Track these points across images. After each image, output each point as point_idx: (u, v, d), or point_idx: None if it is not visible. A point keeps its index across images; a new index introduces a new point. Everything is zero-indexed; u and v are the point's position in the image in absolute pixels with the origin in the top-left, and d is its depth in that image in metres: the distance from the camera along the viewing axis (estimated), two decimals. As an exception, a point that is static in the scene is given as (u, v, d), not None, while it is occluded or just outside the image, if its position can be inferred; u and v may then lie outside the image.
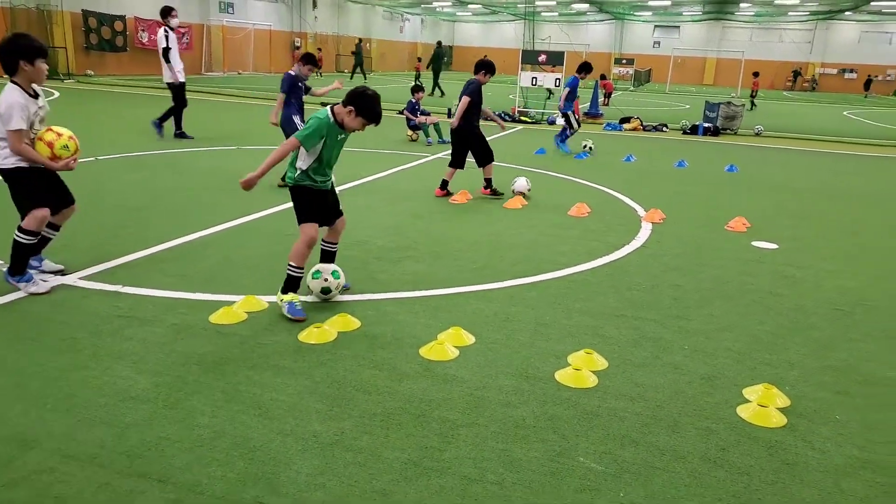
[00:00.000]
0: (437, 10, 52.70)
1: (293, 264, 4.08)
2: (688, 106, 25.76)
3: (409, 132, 12.44)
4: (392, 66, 49.79)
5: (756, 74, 27.32)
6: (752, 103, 25.45)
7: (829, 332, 4.21)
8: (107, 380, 3.17)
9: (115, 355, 3.42)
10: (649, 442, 2.88)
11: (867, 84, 45.24)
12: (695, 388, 3.39)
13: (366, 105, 3.92)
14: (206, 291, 4.35)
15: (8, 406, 2.92)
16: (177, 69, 10.63)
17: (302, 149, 3.99)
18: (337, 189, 4.50)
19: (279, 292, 4.16)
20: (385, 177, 8.80)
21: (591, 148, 11.82)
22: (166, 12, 10.57)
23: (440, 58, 26.50)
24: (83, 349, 3.48)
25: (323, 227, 4.25)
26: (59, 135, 4.15)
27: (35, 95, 4.13)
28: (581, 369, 3.43)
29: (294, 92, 7.68)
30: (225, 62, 32.67)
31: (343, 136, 4.08)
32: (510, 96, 19.04)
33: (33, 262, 4.35)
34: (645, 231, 6.50)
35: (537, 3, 35.85)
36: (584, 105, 12.51)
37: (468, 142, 7.64)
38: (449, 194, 7.64)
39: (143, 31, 27.33)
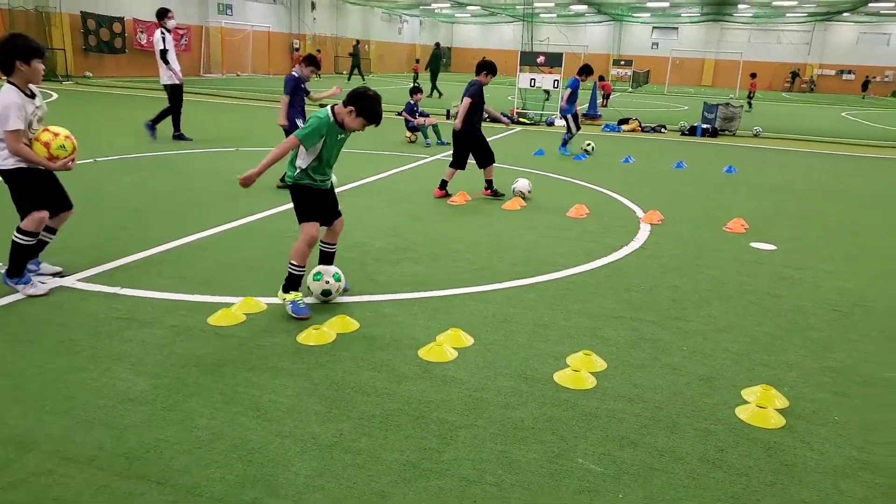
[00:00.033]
0: (436, 11, 52.73)
1: (294, 263, 4.09)
2: (686, 107, 25.79)
3: (408, 134, 12.44)
4: (391, 67, 49.83)
5: (753, 76, 27.38)
6: (749, 104, 25.47)
7: (827, 333, 4.21)
8: (105, 381, 3.17)
9: (113, 357, 3.42)
10: (648, 443, 2.88)
11: (864, 85, 45.33)
12: (693, 389, 3.39)
13: (366, 106, 3.92)
14: (205, 293, 4.35)
15: (6, 408, 2.92)
16: (175, 70, 10.63)
17: (302, 147, 4.00)
18: (336, 190, 4.50)
19: (280, 291, 4.16)
20: (384, 178, 8.80)
21: (592, 147, 11.85)
22: (163, 14, 10.53)
23: (438, 59, 26.52)
24: (82, 351, 3.47)
25: (321, 227, 4.25)
26: (56, 135, 4.14)
27: (32, 95, 4.12)
28: (580, 370, 3.43)
29: (296, 93, 7.70)
30: (224, 64, 32.68)
31: (343, 135, 4.08)
32: (508, 98, 19.05)
33: (31, 266, 4.34)
34: (643, 232, 6.50)
35: (536, 4, 35.88)
36: (582, 107, 12.54)
37: (470, 143, 7.64)
38: (448, 195, 7.64)
39: (141, 32, 27.34)
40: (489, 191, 7.77)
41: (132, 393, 3.08)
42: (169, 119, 10.84)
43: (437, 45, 27.78)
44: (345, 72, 35.85)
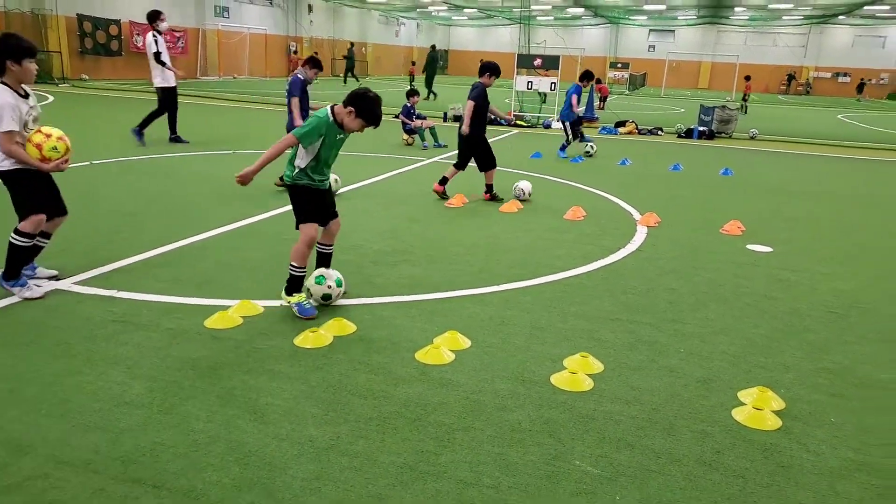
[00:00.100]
0: (433, 14, 52.78)
1: (295, 264, 4.09)
2: (683, 109, 25.85)
3: (405, 136, 12.45)
4: (388, 70, 49.85)
5: (748, 78, 27.45)
6: (745, 107, 25.52)
7: (823, 335, 4.22)
8: (101, 385, 3.16)
9: (109, 360, 3.41)
10: (645, 445, 2.88)
11: (860, 87, 45.48)
12: (690, 391, 3.40)
13: (366, 107, 3.93)
14: (202, 296, 4.34)
15: (2, 411, 2.91)
16: (168, 72, 10.58)
17: (300, 147, 4.00)
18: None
19: (283, 293, 4.16)
20: (381, 181, 8.80)
21: (593, 147, 11.92)
22: (155, 16, 10.44)
23: (434, 62, 26.54)
24: (77, 354, 3.46)
25: (319, 227, 4.26)
26: (48, 136, 4.11)
27: (26, 95, 4.11)
28: (577, 373, 3.43)
29: (303, 96, 7.74)
30: (220, 66, 32.66)
31: (342, 136, 4.09)
32: (506, 100, 19.07)
33: (26, 271, 4.32)
34: (640, 235, 6.51)
35: (533, 7, 35.93)
36: (578, 109, 12.63)
37: (475, 147, 7.65)
38: (445, 194, 7.68)
39: (138, 35, 27.27)
40: (489, 195, 7.78)
41: (128, 396, 3.07)
42: (158, 122, 10.73)
43: (433, 47, 27.81)
44: (341, 74, 35.83)
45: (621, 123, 16.80)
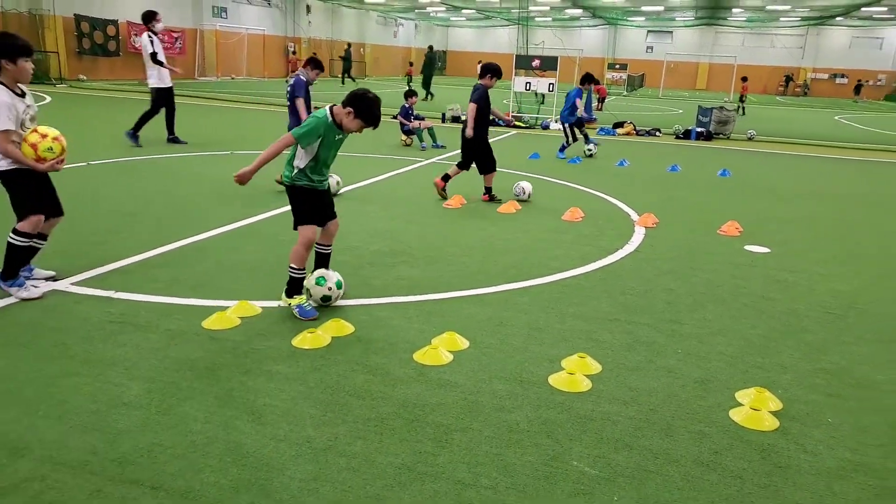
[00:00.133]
0: (431, 15, 52.81)
1: (294, 266, 4.09)
2: (681, 111, 25.88)
3: (403, 137, 12.45)
4: (386, 70, 49.87)
5: (745, 79, 27.49)
6: (742, 108, 25.54)
7: (821, 336, 4.22)
8: (99, 386, 3.15)
9: (107, 361, 3.41)
10: (642, 446, 2.88)
11: (857, 89, 45.57)
12: (688, 391, 3.40)
13: (365, 107, 3.92)
14: (200, 297, 4.34)
15: (-1, 413, 2.90)
16: (164, 73, 10.55)
17: (299, 147, 4.00)
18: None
19: (283, 296, 4.16)
20: (379, 181, 8.80)
21: (593, 148, 11.98)
22: (150, 17, 10.37)
23: (432, 62, 26.54)
24: (75, 355, 3.46)
25: (317, 228, 4.26)
26: (44, 136, 4.10)
27: (22, 94, 4.11)
28: (575, 373, 3.43)
29: (307, 96, 7.78)
30: (218, 67, 32.65)
31: (341, 136, 4.09)
32: (504, 101, 19.08)
33: (23, 273, 4.32)
34: (638, 235, 6.52)
35: (531, 8, 35.93)
36: (582, 113, 12.75)
37: (476, 148, 7.66)
38: (444, 191, 7.72)
39: (135, 35, 27.21)
40: (487, 196, 7.79)
41: (126, 397, 3.07)
42: (155, 123, 10.70)
43: (431, 48, 27.81)
44: (339, 75, 35.81)
45: (619, 124, 16.82)
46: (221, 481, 2.50)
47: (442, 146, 12.26)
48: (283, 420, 2.94)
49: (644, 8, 42.58)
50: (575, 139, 12.10)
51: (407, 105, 12.36)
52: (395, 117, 12.64)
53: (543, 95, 19.75)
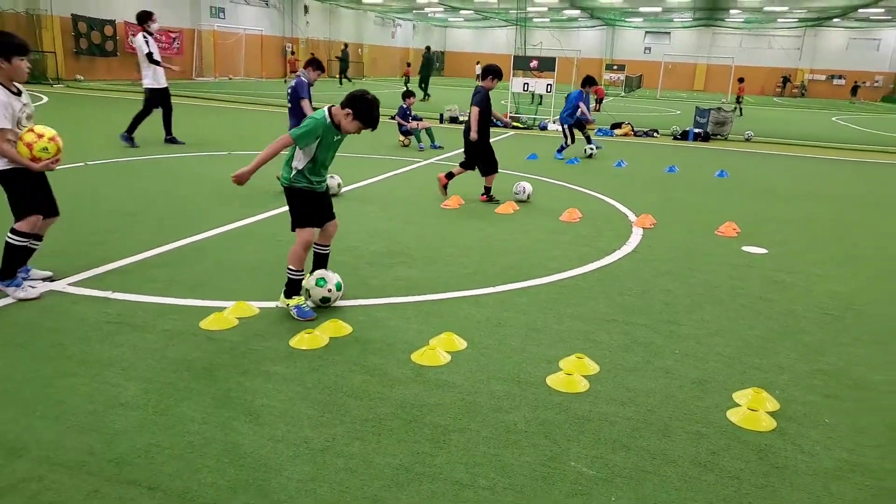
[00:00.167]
0: (429, 15, 52.82)
1: (292, 268, 4.09)
2: (678, 111, 25.91)
3: (401, 137, 12.44)
4: (384, 71, 49.86)
5: (741, 80, 27.55)
6: (740, 109, 25.59)
7: (818, 337, 4.23)
8: (96, 386, 3.15)
9: (104, 362, 3.40)
10: (640, 446, 2.88)
11: (854, 90, 45.67)
12: (685, 392, 3.40)
13: (364, 109, 3.92)
14: (197, 297, 4.33)
15: (-4, 413, 2.90)
16: (160, 73, 10.52)
17: (297, 148, 4.00)
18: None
19: (282, 296, 4.16)
20: (377, 182, 8.79)
21: (593, 149, 12.00)
22: (146, 17, 10.30)
23: (430, 63, 26.53)
24: (72, 356, 3.45)
25: (316, 228, 4.25)
26: (40, 136, 4.09)
27: (18, 93, 4.10)
28: (572, 374, 3.43)
29: (307, 97, 7.79)
30: (216, 67, 32.62)
31: (339, 137, 4.08)
32: (502, 102, 19.10)
33: (20, 274, 4.31)
34: (636, 236, 6.53)
35: (529, 9, 35.96)
36: (590, 115, 12.85)
37: (477, 151, 7.68)
38: (446, 189, 7.76)
39: (133, 35, 27.18)
40: (486, 196, 7.80)
41: (123, 398, 3.06)
42: (152, 123, 10.67)
43: (428, 48, 27.80)
44: (336, 76, 35.79)
45: (617, 125, 16.85)
46: (219, 482, 2.50)
47: (440, 147, 12.26)
48: (281, 421, 2.93)
49: (642, 9, 42.64)
50: (574, 140, 12.13)
51: (405, 106, 12.36)
52: (392, 118, 12.64)
53: (541, 96, 19.76)
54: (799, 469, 2.78)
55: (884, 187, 10.60)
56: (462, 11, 47.28)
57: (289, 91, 7.95)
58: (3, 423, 2.82)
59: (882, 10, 36.91)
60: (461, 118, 16.96)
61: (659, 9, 41.63)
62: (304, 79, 7.80)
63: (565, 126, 12.10)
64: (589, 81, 12.50)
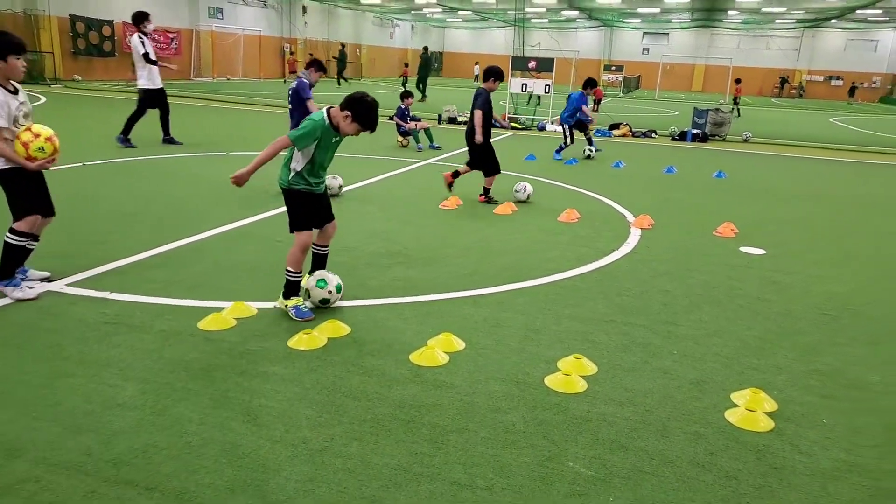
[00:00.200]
0: (428, 16, 52.81)
1: (291, 269, 4.08)
2: (676, 112, 25.93)
3: (400, 138, 12.44)
4: (382, 72, 49.85)
5: (738, 81, 27.58)
6: (737, 110, 25.61)
7: (816, 337, 4.24)
8: (93, 387, 3.15)
9: (102, 362, 3.40)
10: (638, 447, 2.89)
11: (851, 91, 45.77)
12: (683, 392, 3.41)
13: (363, 111, 3.91)
14: (195, 297, 4.33)
15: (-7, 414, 2.89)
16: (154, 74, 10.48)
17: (296, 150, 3.99)
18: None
19: (281, 298, 4.15)
20: (375, 182, 8.79)
21: (592, 150, 12.02)
22: (142, 17, 10.23)
23: (427, 63, 26.52)
24: (70, 356, 3.45)
25: (315, 229, 4.25)
26: (37, 135, 4.09)
27: (15, 91, 4.10)
28: (571, 374, 3.44)
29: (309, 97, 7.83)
30: (214, 68, 32.60)
31: (337, 139, 4.08)
32: (500, 103, 19.10)
33: (18, 275, 4.30)
34: (634, 237, 6.53)
35: (527, 9, 35.99)
36: (592, 116, 12.96)
37: (482, 152, 7.70)
38: (451, 186, 7.81)
39: (131, 36, 27.22)
40: (484, 197, 7.80)
41: (121, 398, 3.06)
42: (149, 124, 10.64)
43: (426, 49, 27.78)
44: (334, 76, 35.77)
45: (615, 126, 16.85)
46: (217, 482, 2.50)
47: (438, 147, 12.26)
48: (279, 421, 2.93)
49: (640, 10, 42.69)
50: (573, 141, 12.14)
51: (403, 106, 12.36)
52: (391, 118, 12.64)
53: (539, 97, 19.77)
54: (796, 469, 2.79)
55: (881, 188, 10.62)
56: (460, 12, 47.28)
57: (290, 92, 7.95)
58: (0, 423, 2.82)
59: (880, 12, 37.00)
60: (459, 119, 16.97)
61: (657, 10, 41.67)
62: (305, 80, 7.81)
63: (566, 126, 12.13)
64: (590, 83, 12.61)
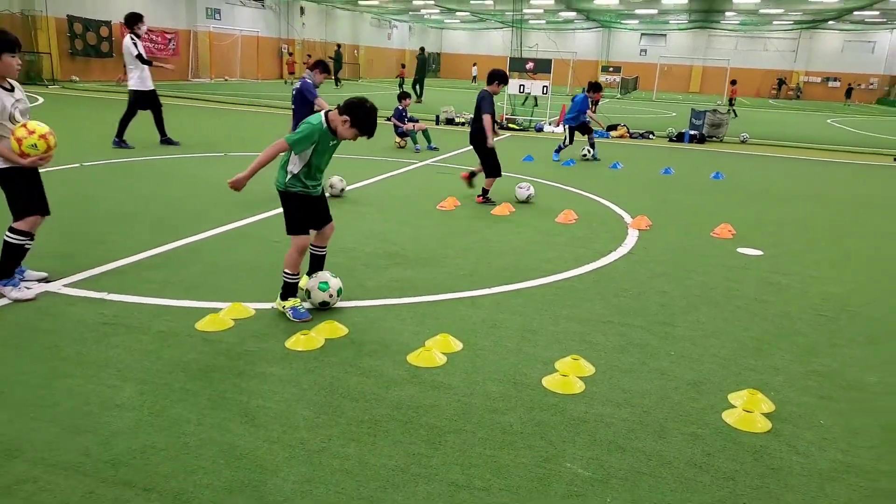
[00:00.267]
0: (425, 17, 52.82)
1: (288, 272, 4.08)
2: (674, 113, 25.96)
3: (397, 139, 12.44)
4: (380, 73, 49.85)
5: (734, 83, 27.63)
6: (733, 111, 25.64)
7: (813, 338, 4.25)
8: (92, 388, 3.14)
9: (100, 363, 3.39)
10: (636, 447, 2.89)
11: (848, 92, 45.86)
12: (681, 393, 3.41)
13: (361, 116, 3.91)
14: (193, 298, 4.33)
15: (-9, 415, 2.89)
16: (146, 75, 10.46)
17: (293, 153, 3.99)
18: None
19: (278, 299, 4.15)
20: (373, 183, 8.80)
21: (590, 151, 12.08)
22: (136, 19, 10.15)
23: (424, 64, 26.53)
24: (68, 357, 3.45)
25: (312, 230, 4.25)
26: (31, 132, 4.07)
27: (11, 88, 4.10)
28: (568, 375, 3.44)
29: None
30: (212, 68, 32.56)
31: (335, 142, 4.08)
32: (498, 104, 19.10)
33: (16, 275, 4.29)
34: (631, 238, 6.54)
35: (525, 10, 36.04)
36: (594, 117, 13.00)
37: (485, 154, 7.75)
38: (471, 183, 8.07)
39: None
40: (482, 198, 7.82)
41: (118, 399, 3.06)
42: (145, 124, 10.61)
43: (422, 50, 27.78)
44: (332, 77, 35.75)
45: (613, 127, 16.87)
46: (214, 483, 2.50)
47: (436, 148, 12.26)
48: (277, 422, 2.93)
49: (638, 11, 42.74)
50: (572, 142, 12.16)
51: (401, 107, 12.36)
52: (388, 119, 12.64)
53: (536, 98, 19.78)
54: (794, 470, 2.79)
55: (878, 189, 10.64)
56: (458, 13, 47.31)
57: (294, 93, 7.96)
58: (-3, 424, 2.82)
59: (877, 13, 37.07)
60: (457, 120, 16.98)
61: (655, 11, 41.73)
62: (308, 80, 7.83)
63: (567, 126, 12.20)
64: (594, 87, 12.70)
